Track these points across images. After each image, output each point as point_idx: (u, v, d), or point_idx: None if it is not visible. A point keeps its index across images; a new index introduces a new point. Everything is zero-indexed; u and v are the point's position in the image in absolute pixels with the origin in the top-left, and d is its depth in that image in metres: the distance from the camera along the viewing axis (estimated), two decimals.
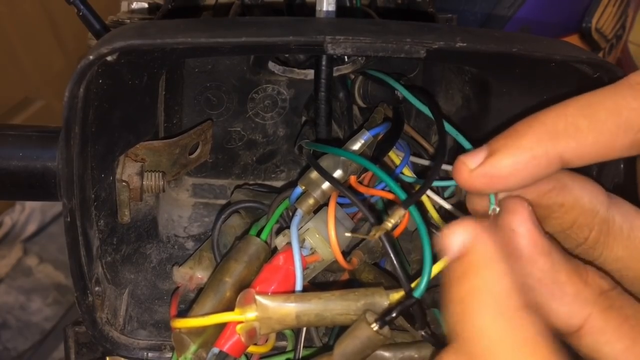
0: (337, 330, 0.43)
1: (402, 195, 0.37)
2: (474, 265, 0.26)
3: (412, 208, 0.36)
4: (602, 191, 0.32)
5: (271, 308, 0.37)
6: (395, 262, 0.37)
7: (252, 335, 0.38)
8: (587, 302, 0.29)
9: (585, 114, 0.28)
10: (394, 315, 0.34)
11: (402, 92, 0.47)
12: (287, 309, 0.37)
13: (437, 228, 0.49)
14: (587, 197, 0.31)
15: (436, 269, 0.33)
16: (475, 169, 0.29)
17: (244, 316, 0.37)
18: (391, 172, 0.46)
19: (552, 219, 0.32)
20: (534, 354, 0.24)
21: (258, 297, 0.37)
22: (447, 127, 0.43)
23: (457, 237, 0.27)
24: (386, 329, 0.35)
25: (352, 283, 0.47)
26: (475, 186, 0.30)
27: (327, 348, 0.42)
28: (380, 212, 0.48)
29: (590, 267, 0.30)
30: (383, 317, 0.35)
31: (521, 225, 0.29)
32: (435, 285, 0.46)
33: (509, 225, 0.29)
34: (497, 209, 0.31)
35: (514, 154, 0.28)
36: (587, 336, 0.29)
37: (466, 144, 0.42)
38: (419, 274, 0.34)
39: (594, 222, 0.31)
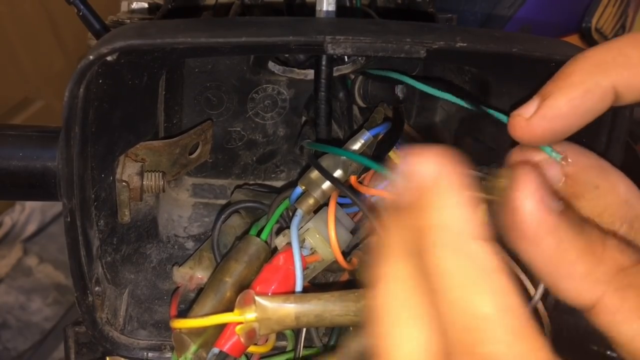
0: (337, 331, 0.43)
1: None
2: (433, 199, 0.23)
3: None
4: (637, 188, 0.31)
5: (270, 309, 0.37)
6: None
7: (251, 336, 0.38)
8: (599, 281, 0.27)
9: (634, 45, 0.28)
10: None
11: (413, 83, 0.46)
12: (286, 310, 0.37)
13: None
14: (623, 186, 0.30)
15: None
16: (532, 116, 0.29)
17: (243, 317, 0.37)
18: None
19: (585, 200, 0.30)
20: (491, 289, 0.22)
21: (257, 298, 0.37)
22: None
23: (426, 166, 0.24)
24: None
25: (352, 283, 0.47)
26: (536, 134, 0.29)
27: (327, 348, 0.42)
28: (380, 212, 0.48)
29: (610, 240, 0.28)
30: None
31: (525, 201, 0.27)
32: None
33: (513, 201, 0.27)
34: (560, 156, 0.30)
35: (567, 92, 0.28)
36: (601, 315, 0.27)
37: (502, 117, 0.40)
38: None
39: (626, 215, 0.30)
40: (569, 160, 0.30)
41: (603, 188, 0.30)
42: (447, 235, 0.23)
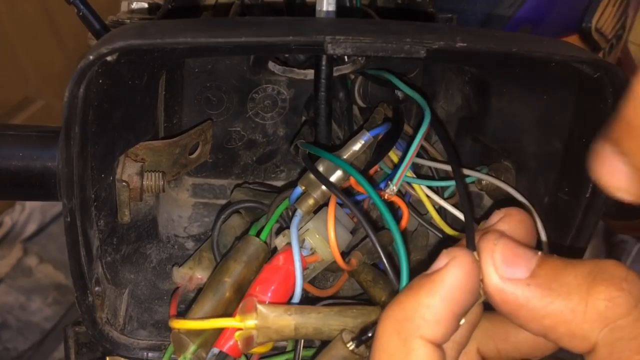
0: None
1: (383, 209, 0.37)
2: (425, 284, 0.26)
3: (391, 221, 0.36)
4: None
5: (271, 318, 0.37)
6: (386, 264, 0.37)
7: (249, 343, 0.38)
8: (586, 337, 0.25)
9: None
10: (369, 335, 0.35)
11: (402, 88, 0.46)
12: (286, 320, 0.37)
13: (437, 228, 0.49)
14: None
15: None
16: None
17: (243, 323, 0.37)
18: (375, 183, 0.46)
19: None
20: None
21: (259, 306, 0.37)
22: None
23: (442, 259, 0.27)
24: (362, 348, 0.36)
25: (352, 283, 0.47)
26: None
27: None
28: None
29: (599, 285, 0.25)
30: (359, 337, 0.35)
31: (489, 279, 0.26)
32: None
33: (483, 280, 0.27)
34: None
35: None
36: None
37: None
38: (417, 274, 0.34)
39: None
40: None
41: None
42: (404, 321, 0.26)
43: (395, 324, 0.26)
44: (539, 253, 0.26)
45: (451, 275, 0.26)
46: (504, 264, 0.26)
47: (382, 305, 0.41)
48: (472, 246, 0.27)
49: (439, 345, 0.26)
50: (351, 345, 0.35)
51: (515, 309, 0.26)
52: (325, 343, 0.38)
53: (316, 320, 0.37)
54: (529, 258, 0.26)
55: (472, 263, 0.26)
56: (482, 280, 0.26)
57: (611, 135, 0.24)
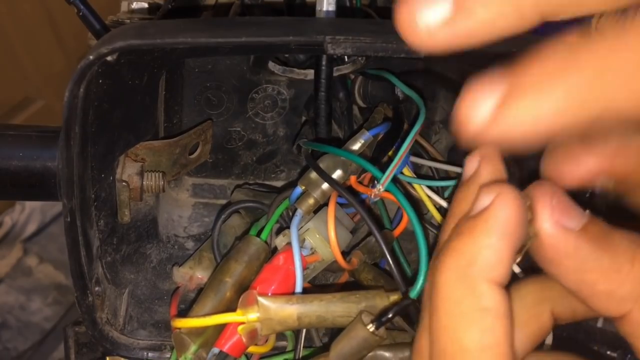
0: (337, 331, 0.43)
1: (401, 197, 0.37)
2: (479, 225, 0.25)
3: (408, 206, 0.36)
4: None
5: (273, 309, 0.37)
6: (390, 261, 0.37)
7: (253, 336, 0.38)
8: (625, 299, 0.25)
9: None
10: (390, 316, 0.35)
11: (401, 88, 0.47)
12: (288, 311, 0.37)
13: (438, 228, 0.49)
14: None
15: None
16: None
17: (245, 317, 0.37)
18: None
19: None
20: (480, 328, 0.24)
21: (260, 299, 0.37)
22: None
23: (487, 196, 0.25)
24: (382, 330, 0.35)
25: (353, 284, 0.47)
26: None
27: (327, 348, 0.42)
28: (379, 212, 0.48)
29: None
30: (379, 318, 0.35)
31: (541, 225, 0.26)
32: None
33: (535, 224, 0.26)
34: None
35: None
36: (627, 327, 0.26)
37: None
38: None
39: None
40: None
41: None
42: (467, 267, 0.24)
43: (457, 272, 0.25)
44: (588, 212, 0.26)
45: (502, 211, 0.25)
46: (560, 212, 0.26)
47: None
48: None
49: (503, 286, 0.25)
50: (371, 327, 0.35)
51: (562, 257, 0.26)
52: (339, 330, 0.38)
53: (319, 308, 0.37)
54: (581, 213, 0.26)
55: (518, 199, 0.25)
56: (531, 223, 0.26)
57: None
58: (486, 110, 0.22)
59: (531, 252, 0.27)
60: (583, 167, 0.28)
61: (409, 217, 0.36)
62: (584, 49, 0.21)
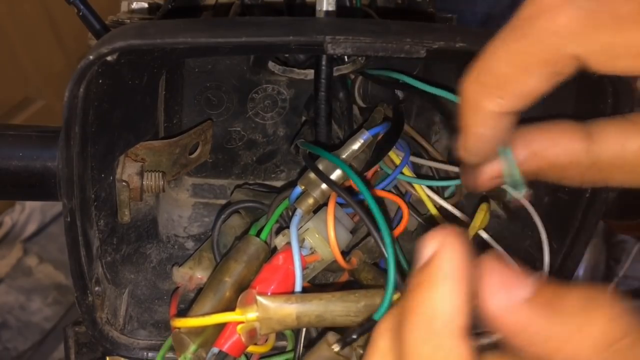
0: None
1: (377, 212, 0.37)
2: (426, 281, 0.25)
3: (383, 224, 0.36)
4: (577, 136, 0.31)
5: (272, 308, 0.37)
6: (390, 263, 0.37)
7: (252, 336, 0.38)
8: (590, 357, 0.24)
9: None
10: (354, 337, 0.35)
11: (408, 80, 0.47)
12: (288, 310, 0.37)
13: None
14: (561, 153, 0.31)
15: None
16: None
17: (244, 316, 0.37)
18: (370, 186, 0.46)
19: (541, 177, 0.32)
20: None
21: (259, 298, 0.37)
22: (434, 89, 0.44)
23: (431, 245, 0.25)
24: (347, 350, 0.36)
25: (352, 284, 0.47)
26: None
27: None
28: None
29: (595, 313, 0.25)
30: (344, 339, 0.35)
31: (491, 300, 0.25)
32: None
33: (482, 299, 0.25)
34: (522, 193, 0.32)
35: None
36: None
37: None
38: None
39: (580, 170, 0.31)
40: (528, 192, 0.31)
41: (545, 167, 0.31)
42: (431, 322, 0.24)
43: (422, 329, 0.25)
44: (539, 275, 0.26)
45: (449, 258, 0.25)
46: (504, 288, 0.25)
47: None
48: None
49: (466, 333, 0.25)
50: (336, 347, 0.36)
51: (517, 332, 0.25)
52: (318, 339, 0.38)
53: (318, 307, 0.37)
54: (529, 281, 0.26)
55: (460, 241, 0.25)
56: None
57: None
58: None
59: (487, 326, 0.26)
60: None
61: (382, 234, 0.37)
62: None
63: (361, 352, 0.39)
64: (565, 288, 0.26)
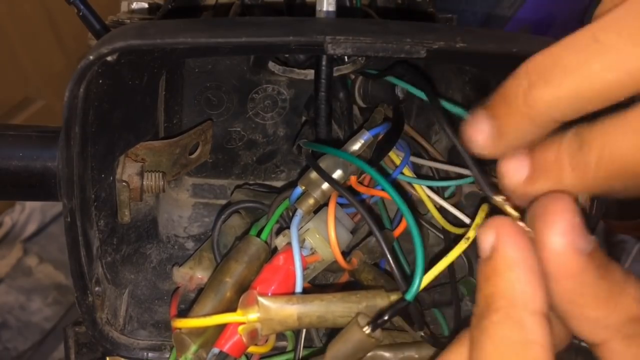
0: (336, 331, 0.43)
1: (398, 199, 0.37)
2: (496, 269, 0.26)
3: (406, 209, 0.36)
4: None
5: (273, 309, 0.37)
6: (391, 262, 0.37)
7: (253, 336, 0.38)
8: (609, 328, 0.26)
9: None
10: (385, 318, 0.35)
11: (403, 85, 0.47)
12: (289, 311, 0.37)
13: (438, 228, 0.49)
14: None
15: (430, 274, 0.34)
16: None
17: (245, 317, 0.37)
18: (387, 175, 0.46)
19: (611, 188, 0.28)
20: None
21: (260, 299, 0.37)
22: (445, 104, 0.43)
23: (488, 237, 0.27)
24: (378, 332, 0.35)
25: (353, 284, 0.47)
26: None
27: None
28: (379, 212, 0.48)
29: (630, 288, 0.27)
30: (375, 320, 0.35)
31: (553, 240, 0.26)
32: (435, 285, 0.46)
33: (542, 236, 0.26)
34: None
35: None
36: (604, 355, 0.27)
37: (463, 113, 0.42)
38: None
39: None
40: None
41: None
42: (511, 305, 0.25)
43: (501, 312, 0.26)
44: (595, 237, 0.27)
45: (510, 246, 0.26)
46: (576, 232, 0.26)
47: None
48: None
49: (547, 315, 0.26)
50: (367, 329, 0.35)
51: (563, 277, 0.26)
52: (336, 330, 0.38)
53: (319, 308, 0.37)
54: (591, 237, 0.26)
55: (518, 227, 0.27)
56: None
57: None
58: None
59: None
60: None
61: (406, 219, 0.36)
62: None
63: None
64: (611, 259, 0.27)
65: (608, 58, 0.23)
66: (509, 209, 0.29)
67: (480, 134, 0.28)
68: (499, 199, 0.29)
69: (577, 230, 0.26)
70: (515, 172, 0.28)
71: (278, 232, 0.43)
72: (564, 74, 0.24)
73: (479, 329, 0.26)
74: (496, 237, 0.26)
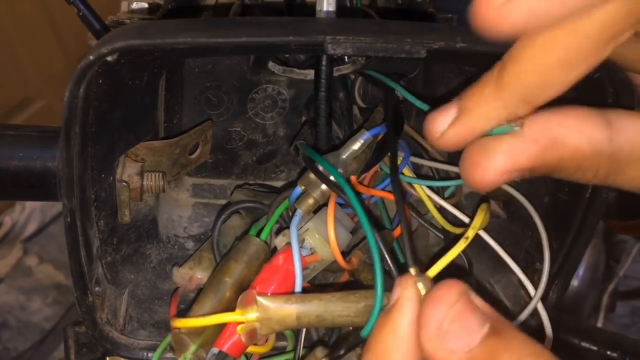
0: (337, 331, 0.43)
1: (365, 221, 0.37)
2: (387, 323, 0.28)
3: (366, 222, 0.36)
4: (599, 124, 0.29)
5: (272, 309, 0.37)
6: (390, 262, 0.37)
7: (252, 336, 0.38)
8: None
9: None
10: (341, 353, 0.35)
11: (401, 92, 0.47)
12: (288, 310, 0.37)
13: (437, 228, 0.49)
14: (584, 141, 0.28)
15: (430, 273, 0.34)
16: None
17: (244, 317, 0.37)
18: (387, 175, 0.46)
19: (556, 172, 0.29)
20: None
21: (259, 298, 0.37)
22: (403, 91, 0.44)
23: (396, 290, 0.28)
24: None
25: (353, 284, 0.47)
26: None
27: (324, 343, 0.42)
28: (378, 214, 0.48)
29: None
30: (332, 354, 0.35)
31: (424, 345, 0.27)
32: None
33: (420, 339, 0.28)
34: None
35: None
36: None
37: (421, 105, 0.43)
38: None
39: (599, 162, 0.28)
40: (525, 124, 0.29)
41: (566, 157, 0.29)
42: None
43: None
44: (486, 327, 0.26)
45: (404, 316, 0.27)
46: (448, 334, 0.26)
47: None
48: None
49: None
50: None
51: None
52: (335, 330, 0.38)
53: (318, 308, 0.37)
54: (474, 331, 0.26)
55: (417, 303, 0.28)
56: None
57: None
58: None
59: None
60: (492, 170, 0.29)
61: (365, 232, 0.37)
62: None
63: (360, 351, 0.39)
64: (508, 345, 0.26)
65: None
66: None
67: (445, 119, 0.29)
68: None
69: (454, 330, 0.26)
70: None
71: (278, 232, 0.43)
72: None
73: None
74: (403, 294, 0.28)
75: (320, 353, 0.36)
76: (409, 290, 0.28)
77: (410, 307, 0.27)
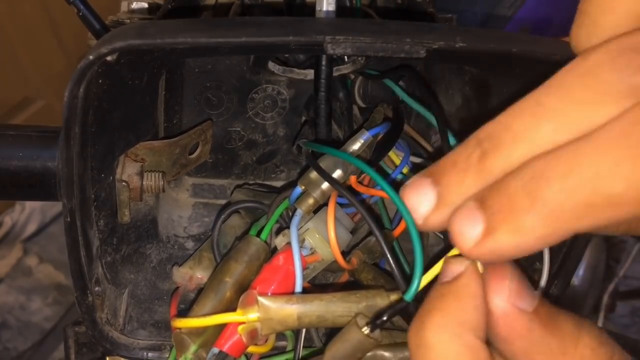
0: (336, 331, 0.43)
1: (396, 199, 0.37)
2: (453, 292, 0.27)
3: (405, 209, 0.36)
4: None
5: (273, 309, 0.37)
6: (391, 262, 0.37)
7: (253, 336, 0.38)
8: None
9: None
10: (384, 318, 0.35)
11: (401, 95, 0.47)
12: (288, 310, 0.37)
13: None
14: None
15: (429, 274, 0.34)
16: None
17: (245, 317, 0.37)
18: (386, 175, 0.46)
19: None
20: None
21: (260, 298, 0.37)
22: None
23: (455, 267, 0.28)
24: (377, 333, 0.35)
25: (353, 284, 0.47)
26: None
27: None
28: (379, 212, 0.48)
29: (584, 338, 0.27)
30: (374, 321, 0.35)
31: (496, 303, 0.27)
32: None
33: (489, 303, 0.27)
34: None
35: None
36: None
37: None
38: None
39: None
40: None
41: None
42: (458, 326, 0.27)
43: (448, 330, 0.27)
44: (538, 292, 0.28)
45: (473, 280, 0.27)
46: (516, 293, 0.27)
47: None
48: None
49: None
50: (366, 330, 0.35)
51: (515, 337, 0.27)
52: (336, 330, 0.38)
53: (319, 308, 0.37)
54: (533, 295, 0.28)
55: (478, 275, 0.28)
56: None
57: (430, 169, 0.27)
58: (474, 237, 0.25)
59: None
60: None
61: (405, 219, 0.36)
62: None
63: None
64: (560, 310, 0.28)
65: (554, 120, 0.24)
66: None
67: (424, 202, 0.27)
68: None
69: (517, 290, 0.27)
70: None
71: (278, 232, 0.43)
72: (514, 140, 0.25)
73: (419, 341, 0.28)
74: (463, 269, 0.28)
75: (361, 320, 0.36)
76: (473, 264, 0.28)
77: (477, 277, 0.27)
